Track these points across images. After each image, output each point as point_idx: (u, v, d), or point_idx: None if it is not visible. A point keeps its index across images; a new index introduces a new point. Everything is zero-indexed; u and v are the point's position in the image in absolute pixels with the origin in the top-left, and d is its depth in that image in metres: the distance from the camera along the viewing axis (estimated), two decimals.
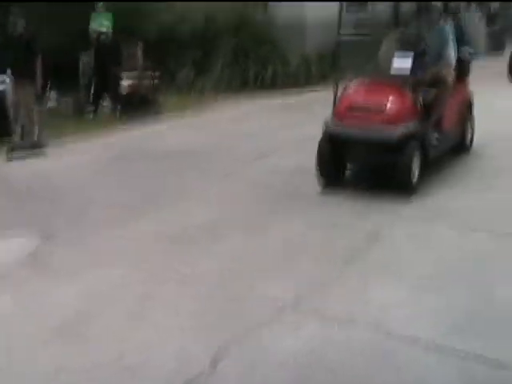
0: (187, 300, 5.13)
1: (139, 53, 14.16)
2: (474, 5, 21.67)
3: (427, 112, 7.63)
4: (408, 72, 7.55)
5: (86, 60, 13.85)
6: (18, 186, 8.74)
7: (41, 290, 5.49)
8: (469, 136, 9.18)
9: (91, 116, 13.20)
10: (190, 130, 11.75)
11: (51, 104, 13.16)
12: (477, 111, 9.36)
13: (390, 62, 7.88)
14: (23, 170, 9.57)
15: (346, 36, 9.04)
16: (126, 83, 13.54)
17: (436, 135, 7.74)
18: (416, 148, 7.22)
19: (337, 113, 7.60)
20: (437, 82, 7.86)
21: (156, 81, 13.87)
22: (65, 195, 8.13)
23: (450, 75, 8.11)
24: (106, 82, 13.55)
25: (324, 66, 16.17)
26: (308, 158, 7.98)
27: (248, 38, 15.49)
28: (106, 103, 13.57)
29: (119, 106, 13.17)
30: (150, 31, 16.05)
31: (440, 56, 8.12)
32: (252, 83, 15.16)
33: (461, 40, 8.63)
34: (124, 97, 13.39)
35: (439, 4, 8.90)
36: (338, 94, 7.82)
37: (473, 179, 8.08)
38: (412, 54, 7.57)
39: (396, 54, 7.72)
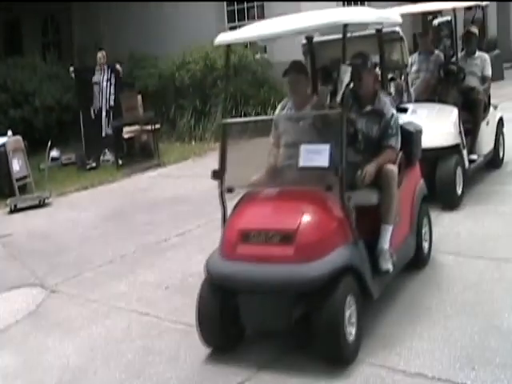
0: (189, 351, 5.02)
1: (139, 105, 14.30)
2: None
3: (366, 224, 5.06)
4: (326, 166, 4.73)
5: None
6: (20, 241, 8.80)
7: (42, 345, 5.55)
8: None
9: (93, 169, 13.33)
10: (189, 179, 11.73)
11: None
12: None
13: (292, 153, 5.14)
14: (25, 225, 9.70)
15: None
16: (126, 135, 13.68)
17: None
18: (350, 288, 4.56)
19: (225, 243, 4.86)
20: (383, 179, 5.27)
21: (156, 131, 13.96)
22: (65, 249, 8.13)
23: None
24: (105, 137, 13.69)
25: None
26: None
27: (247, 81, 15.52)
28: (107, 157, 13.64)
29: (120, 159, 13.22)
30: (150, 80, 16.30)
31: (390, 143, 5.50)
32: None
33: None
34: (125, 149, 13.54)
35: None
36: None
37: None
38: (328, 146, 4.76)
39: (303, 147, 4.90)
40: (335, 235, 4.63)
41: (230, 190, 4.99)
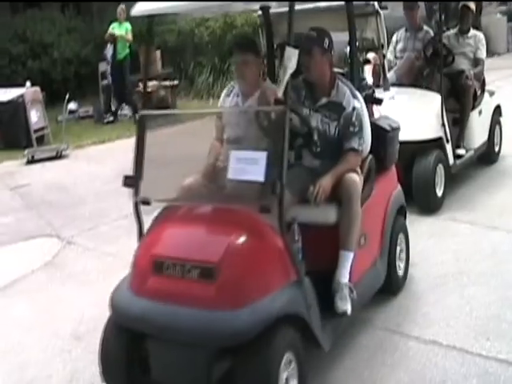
0: None
1: (157, 60, 14.23)
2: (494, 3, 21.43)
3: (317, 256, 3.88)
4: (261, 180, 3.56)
5: (104, 69, 13.93)
6: (37, 192, 8.86)
7: (57, 296, 5.60)
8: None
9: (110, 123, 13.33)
10: (205, 135, 11.70)
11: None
12: None
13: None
14: (42, 176, 9.76)
15: None
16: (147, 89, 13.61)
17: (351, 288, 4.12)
18: (289, 343, 3.51)
19: (134, 272, 3.82)
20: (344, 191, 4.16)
21: (174, 87, 13.93)
22: (81, 202, 8.17)
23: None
24: (123, 91, 13.64)
25: None
26: None
27: None
28: (125, 111, 13.64)
29: (137, 114, 13.19)
30: (169, 36, 16.21)
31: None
32: None
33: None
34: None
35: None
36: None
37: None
38: (265, 154, 3.60)
39: (233, 154, 3.80)
40: (272, 272, 3.55)
41: (147, 203, 3.93)
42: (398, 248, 5.04)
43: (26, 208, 8.20)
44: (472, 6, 8.00)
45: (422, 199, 6.75)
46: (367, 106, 4.65)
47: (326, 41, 4.26)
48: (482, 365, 4.00)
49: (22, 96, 11.51)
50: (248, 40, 4.85)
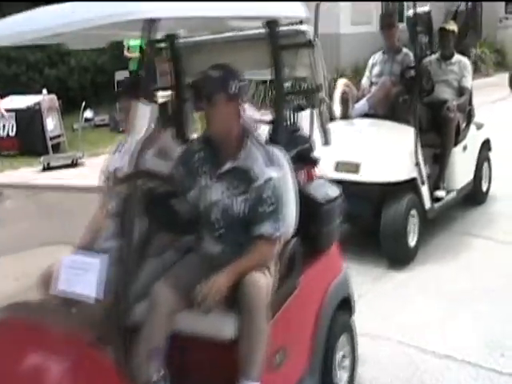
0: None
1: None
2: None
3: None
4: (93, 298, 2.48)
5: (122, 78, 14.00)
6: (51, 199, 8.88)
7: None
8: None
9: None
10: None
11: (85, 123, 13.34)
12: None
13: None
14: (57, 182, 9.75)
15: None
16: (159, 100, 13.69)
17: None
18: None
19: None
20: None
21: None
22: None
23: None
24: None
25: None
26: None
27: None
28: None
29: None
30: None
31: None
32: None
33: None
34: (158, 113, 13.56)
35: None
36: None
37: None
38: (98, 260, 2.54)
39: (64, 260, 2.73)
40: None
41: None
42: (340, 354, 3.74)
43: (40, 215, 8.20)
44: (453, 27, 7.11)
45: (391, 250, 5.87)
46: (301, 168, 3.66)
47: (234, 83, 3.06)
48: (496, 380, 3.99)
49: (38, 103, 11.61)
50: (135, 81, 3.93)
